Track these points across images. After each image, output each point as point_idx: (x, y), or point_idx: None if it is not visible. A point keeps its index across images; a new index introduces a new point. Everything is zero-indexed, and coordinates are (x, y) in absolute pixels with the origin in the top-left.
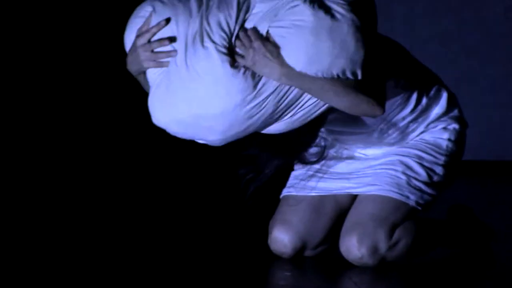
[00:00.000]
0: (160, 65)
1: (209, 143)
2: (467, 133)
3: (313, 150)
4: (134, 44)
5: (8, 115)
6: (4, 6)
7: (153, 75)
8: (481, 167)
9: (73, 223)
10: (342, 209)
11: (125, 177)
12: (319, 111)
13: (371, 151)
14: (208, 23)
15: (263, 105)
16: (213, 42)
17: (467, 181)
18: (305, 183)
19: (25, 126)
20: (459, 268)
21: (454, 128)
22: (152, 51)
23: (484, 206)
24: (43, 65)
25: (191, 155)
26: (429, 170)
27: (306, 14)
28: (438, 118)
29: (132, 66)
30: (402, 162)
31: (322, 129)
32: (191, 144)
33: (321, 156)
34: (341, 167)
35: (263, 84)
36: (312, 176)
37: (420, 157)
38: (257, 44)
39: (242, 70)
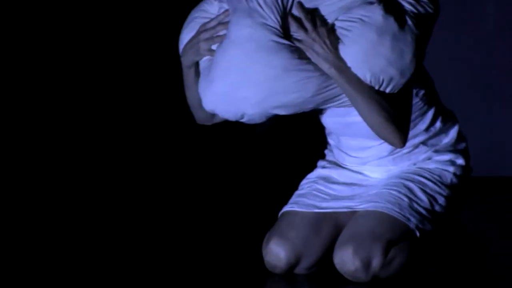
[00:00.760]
0: (212, 53)
1: (250, 119)
2: None
3: None
4: (196, 36)
5: (8, 115)
6: (6, 6)
7: (205, 61)
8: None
9: (73, 223)
10: (340, 231)
11: (125, 177)
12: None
13: (376, 174)
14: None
15: (304, 84)
16: (264, 13)
17: None
18: (307, 201)
19: (25, 126)
20: (453, 284)
21: (461, 164)
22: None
23: (475, 221)
24: (43, 65)
25: (190, 156)
26: (431, 198)
27: (376, 13)
28: (446, 149)
29: (188, 56)
30: (405, 186)
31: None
32: (191, 144)
33: None
34: (345, 190)
35: (309, 64)
36: (316, 196)
37: (423, 184)
38: (321, 30)
39: (289, 43)
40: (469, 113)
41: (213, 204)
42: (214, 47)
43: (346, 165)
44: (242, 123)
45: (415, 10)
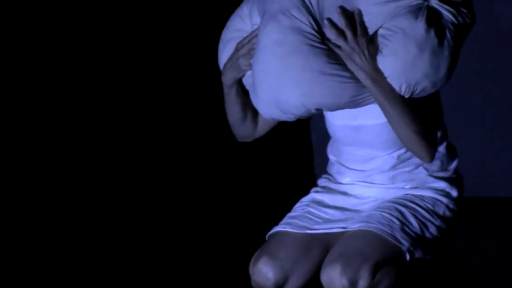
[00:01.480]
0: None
1: (303, 116)
2: None
3: None
4: (235, 54)
5: (8, 115)
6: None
7: (248, 78)
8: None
9: (73, 223)
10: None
11: (125, 177)
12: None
13: (370, 193)
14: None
15: (340, 90)
16: (294, 17)
17: None
18: (300, 222)
19: (25, 126)
20: None
21: (454, 197)
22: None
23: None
24: (42, 65)
25: (191, 156)
26: (422, 225)
27: (419, 27)
28: (443, 177)
29: (229, 74)
30: (397, 209)
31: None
32: (191, 144)
33: None
34: (337, 214)
35: (346, 70)
36: (308, 218)
37: (415, 210)
38: (361, 40)
39: (325, 47)
40: (450, 136)
41: (206, 214)
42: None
43: (343, 183)
44: None
45: (455, 21)
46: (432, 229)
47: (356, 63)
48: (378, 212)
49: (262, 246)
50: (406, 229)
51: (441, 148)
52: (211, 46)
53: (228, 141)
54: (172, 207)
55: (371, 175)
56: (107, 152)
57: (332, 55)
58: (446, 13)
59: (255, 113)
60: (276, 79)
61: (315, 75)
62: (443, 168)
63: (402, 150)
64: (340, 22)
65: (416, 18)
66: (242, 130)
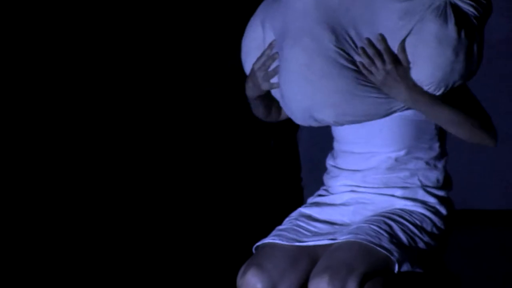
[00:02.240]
0: (273, 86)
1: (332, 120)
2: None
3: None
4: (253, 75)
5: (8, 115)
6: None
7: (277, 93)
8: None
9: (73, 223)
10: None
11: (125, 177)
12: None
13: (360, 199)
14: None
15: (374, 109)
16: (318, 38)
17: None
18: (289, 235)
19: (25, 126)
20: None
21: (443, 215)
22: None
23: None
24: (43, 66)
25: (191, 158)
26: (410, 239)
27: (450, 30)
28: (433, 190)
29: (252, 93)
30: (385, 223)
31: None
32: (191, 145)
33: None
34: (326, 228)
35: (377, 89)
36: (297, 231)
37: (403, 225)
38: (390, 67)
39: (353, 67)
40: None
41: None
42: (273, 79)
43: (334, 192)
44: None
45: (476, 13)
46: (421, 244)
47: (391, 87)
48: (366, 224)
49: (250, 258)
50: (395, 241)
51: (439, 163)
52: (211, 46)
53: (216, 153)
54: (160, 220)
55: (366, 176)
56: (107, 152)
57: (360, 73)
58: (467, 6)
59: (278, 105)
60: (308, 100)
61: (347, 97)
62: (438, 186)
63: (401, 152)
64: (369, 50)
65: (446, 21)
66: (267, 120)
